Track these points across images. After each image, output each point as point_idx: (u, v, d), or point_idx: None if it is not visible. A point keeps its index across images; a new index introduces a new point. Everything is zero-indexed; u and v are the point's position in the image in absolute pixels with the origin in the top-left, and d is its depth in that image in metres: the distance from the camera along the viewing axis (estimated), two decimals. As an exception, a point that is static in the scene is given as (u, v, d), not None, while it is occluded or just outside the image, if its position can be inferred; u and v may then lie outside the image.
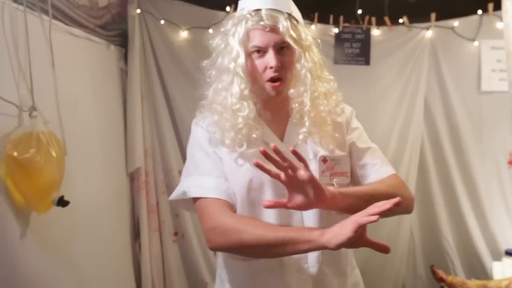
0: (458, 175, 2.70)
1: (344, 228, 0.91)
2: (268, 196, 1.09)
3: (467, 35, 2.62)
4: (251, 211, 1.10)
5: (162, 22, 2.55)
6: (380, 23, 2.68)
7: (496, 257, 2.63)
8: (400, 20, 2.66)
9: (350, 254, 1.24)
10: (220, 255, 1.24)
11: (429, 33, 2.65)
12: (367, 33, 2.68)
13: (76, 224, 1.85)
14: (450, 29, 2.64)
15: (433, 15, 2.63)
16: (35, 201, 1.49)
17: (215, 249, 1.11)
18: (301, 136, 1.13)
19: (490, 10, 2.54)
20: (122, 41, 2.49)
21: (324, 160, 1.13)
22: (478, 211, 2.68)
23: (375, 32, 2.69)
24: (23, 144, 1.41)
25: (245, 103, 1.10)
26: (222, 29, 1.15)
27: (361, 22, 2.67)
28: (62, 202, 1.57)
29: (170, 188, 2.63)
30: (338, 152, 1.16)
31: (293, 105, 1.15)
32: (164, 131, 2.60)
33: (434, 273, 2.46)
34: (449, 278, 2.41)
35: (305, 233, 0.96)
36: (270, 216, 1.10)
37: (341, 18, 2.66)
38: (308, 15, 2.62)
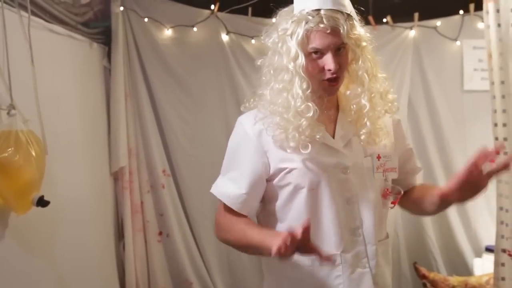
0: (441, 173, 2.74)
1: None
2: (326, 195, 1.14)
3: (449, 34, 2.66)
4: (312, 207, 1.15)
5: (146, 20, 2.52)
6: (364, 22, 2.69)
7: (478, 254, 2.68)
8: (384, 20, 2.68)
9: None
10: None
11: (412, 33, 2.68)
12: (352, 32, 2.69)
13: (57, 224, 1.81)
14: (433, 28, 2.67)
15: (416, 15, 2.66)
16: (14, 201, 1.45)
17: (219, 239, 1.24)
18: (363, 137, 1.16)
19: (472, 11, 2.58)
20: (105, 39, 2.45)
21: (378, 157, 1.18)
22: (461, 209, 2.72)
23: (360, 31, 2.70)
24: (1, 143, 1.37)
25: (310, 104, 1.11)
26: (280, 28, 1.14)
27: (345, 21, 2.68)
28: (42, 202, 1.53)
29: (154, 188, 2.60)
30: (389, 149, 1.22)
31: (351, 106, 1.17)
32: (148, 130, 2.58)
33: (416, 270, 2.49)
34: (431, 275, 2.44)
35: (266, 240, 1.04)
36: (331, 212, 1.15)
37: (326, 17, 2.67)
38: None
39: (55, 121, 1.82)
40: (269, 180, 1.19)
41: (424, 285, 2.45)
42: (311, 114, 1.10)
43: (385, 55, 2.66)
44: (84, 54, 2.27)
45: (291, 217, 1.18)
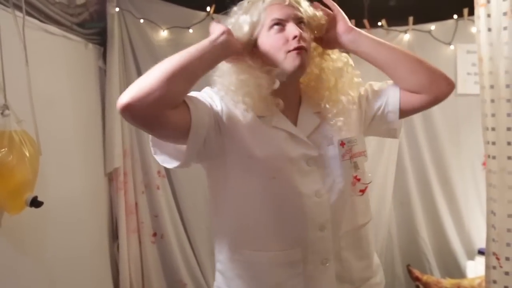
0: (435, 176, 2.76)
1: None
2: (290, 187, 1.07)
3: (443, 38, 2.68)
4: (273, 198, 1.07)
5: (142, 21, 2.53)
6: (359, 25, 2.70)
7: (471, 256, 2.69)
8: (379, 23, 2.70)
9: (371, 235, 1.22)
10: (224, 250, 1.15)
11: (407, 36, 2.70)
12: (347, 35, 2.71)
13: (50, 225, 1.81)
14: (427, 32, 2.69)
15: (410, 19, 2.68)
16: (7, 201, 1.45)
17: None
18: (327, 125, 1.12)
19: (465, 15, 2.60)
20: (100, 39, 2.45)
21: (342, 143, 1.10)
22: (454, 211, 2.74)
23: (355, 34, 2.72)
24: (-6, 144, 1.38)
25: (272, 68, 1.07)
26: (235, 8, 1.13)
27: (340, 25, 2.70)
28: (35, 203, 1.53)
29: (149, 189, 2.60)
30: (353, 133, 1.14)
31: (307, 92, 1.15)
32: (143, 131, 2.57)
33: (410, 272, 2.50)
34: (425, 277, 2.46)
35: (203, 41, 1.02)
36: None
37: (321, 20, 2.68)
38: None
39: (49, 121, 1.82)
40: (223, 159, 1.08)
41: (417, 287, 2.47)
42: (277, 85, 1.05)
43: (379, 59, 2.72)
44: (79, 55, 2.27)
45: (253, 211, 1.08)
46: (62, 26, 2.04)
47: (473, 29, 2.59)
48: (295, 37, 1.04)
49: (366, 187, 1.13)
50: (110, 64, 2.44)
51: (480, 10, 1.59)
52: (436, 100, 1.16)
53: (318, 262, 1.09)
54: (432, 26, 2.69)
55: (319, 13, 1.15)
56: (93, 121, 2.38)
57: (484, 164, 2.68)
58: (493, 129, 1.57)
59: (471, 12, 2.51)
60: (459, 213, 2.74)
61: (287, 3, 1.07)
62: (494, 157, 1.58)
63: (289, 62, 1.06)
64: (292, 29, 1.05)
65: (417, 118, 2.76)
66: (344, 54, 1.20)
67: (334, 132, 1.12)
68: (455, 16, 2.65)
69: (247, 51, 1.09)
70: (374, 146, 2.76)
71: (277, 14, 1.06)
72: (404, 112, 1.18)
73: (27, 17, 1.66)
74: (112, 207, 2.52)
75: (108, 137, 2.44)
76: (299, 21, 1.08)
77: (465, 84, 2.69)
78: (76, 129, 2.16)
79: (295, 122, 1.12)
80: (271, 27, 1.07)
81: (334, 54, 1.19)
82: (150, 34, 2.55)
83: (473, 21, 2.52)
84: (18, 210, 1.49)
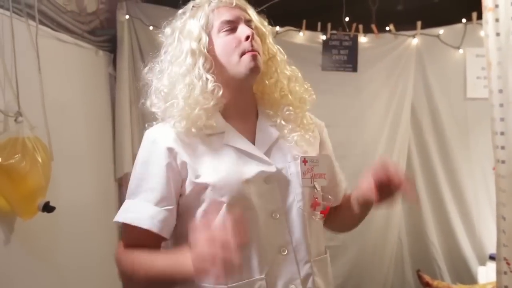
0: (445, 180, 2.74)
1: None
2: (247, 209, 0.98)
3: (452, 43, 2.67)
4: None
5: (151, 28, 2.56)
6: (367, 30, 2.72)
7: (482, 261, 2.66)
8: (387, 28, 2.70)
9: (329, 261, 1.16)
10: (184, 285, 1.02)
11: (415, 41, 2.70)
12: (355, 40, 2.72)
13: (62, 230, 1.84)
14: (435, 37, 2.68)
15: (419, 23, 2.67)
16: (20, 207, 1.48)
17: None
18: (287, 138, 1.06)
19: (474, 19, 2.59)
20: (110, 46, 2.49)
21: (304, 161, 1.04)
22: (465, 216, 2.72)
23: (362, 39, 2.72)
24: (8, 150, 1.41)
25: (220, 85, 1.00)
26: (180, 12, 1.08)
27: (348, 30, 2.71)
28: (47, 208, 1.56)
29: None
30: (313, 152, 1.09)
31: (262, 104, 1.10)
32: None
33: (420, 277, 2.48)
34: (435, 283, 2.43)
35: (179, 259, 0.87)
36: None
37: (329, 25, 2.70)
38: (296, 22, 2.67)
39: (61, 127, 1.85)
40: (181, 194, 1.00)
41: (427, 292, 2.45)
42: (220, 94, 0.99)
43: (388, 63, 2.73)
44: (90, 62, 2.30)
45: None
46: (74, 34, 2.08)
47: (482, 33, 2.58)
48: (247, 37, 1.00)
49: (327, 209, 1.08)
50: (120, 70, 2.47)
51: (488, 14, 1.59)
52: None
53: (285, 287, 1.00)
54: (441, 30, 2.68)
55: (265, 21, 1.11)
56: (103, 127, 2.41)
57: (494, 168, 2.67)
58: (502, 133, 1.56)
59: (480, 16, 2.51)
60: (470, 217, 2.71)
61: (234, 4, 1.04)
62: (503, 162, 1.57)
63: (243, 65, 1.00)
64: (244, 29, 1.01)
65: (426, 122, 2.75)
66: (293, 67, 1.14)
67: (293, 147, 1.06)
68: (464, 20, 2.63)
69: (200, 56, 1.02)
70: (383, 151, 2.75)
71: (226, 15, 1.02)
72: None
73: (40, 26, 1.70)
74: (122, 212, 2.54)
75: (118, 142, 2.47)
76: (248, 23, 1.04)
77: (475, 88, 2.67)
78: (86, 135, 2.19)
79: (252, 137, 1.05)
80: (220, 29, 1.02)
81: (282, 63, 1.12)
82: (159, 41, 2.58)
83: (482, 25, 2.52)
84: (30, 215, 1.52)
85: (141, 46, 2.56)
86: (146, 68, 1.09)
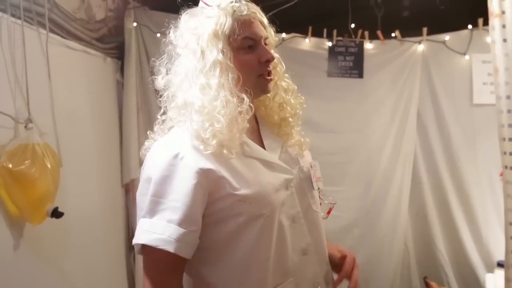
0: (451, 187, 2.72)
1: None
2: (275, 218, 0.98)
3: (458, 49, 2.67)
4: (266, 237, 0.97)
5: (159, 35, 2.58)
6: (373, 37, 2.73)
7: (490, 269, 2.64)
8: (393, 34, 2.71)
9: None
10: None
11: (421, 47, 2.70)
12: (360, 46, 2.73)
13: (70, 235, 1.85)
14: (441, 43, 2.69)
15: (424, 29, 2.68)
16: (29, 212, 1.49)
17: None
18: (291, 146, 1.08)
19: (480, 25, 2.59)
20: (118, 53, 2.52)
21: (311, 165, 1.10)
22: (472, 223, 2.70)
23: (368, 45, 2.73)
24: (18, 156, 1.42)
25: (251, 105, 0.97)
26: (193, 26, 0.98)
27: (354, 36, 2.72)
28: (56, 214, 1.57)
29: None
30: (310, 158, 1.14)
31: (270, 111, 1.09)
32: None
33: (427, 285, 2.47)
34: (442, 290, 2.42)
35: None
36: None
37: (335, 31, 2.71)
38: (302, 29, 2.68)
39: (69, 133, 1.87)
40: (206, 211, 0.95)
41: (435, 300, 2.43)
42: (251, 113, 0.97)
43: (394, 69, 2.74)
44: (98, 69, 2.33)
45: (238, 253, 0.96)
46: (82, 41, 2.10)
47: (488, 39, 2.58)
48: (267, 61, 0.99)
49: (331, 208, 1.12)
50: (128, 77, 2.50)
51: (494, 20, 1.60)
52: None
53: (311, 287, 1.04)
54: (447, 37, 2.68)
55: (273, 30, 1.07)
56: (110, 133, 2.43)
57: (501, 174, 2.66)
58: (510, 139, 1.56)
59: (486, 22, 2.51)
60: (477, 224, 2.69)
61: (254, 20, 0.99)
62: (511, 168, 1.57)
63: (258, 87, 1.00)
64: (264, 52, 0.98)
65: (432, 128, 2.74)
66: (289, 81, 1.12)
67: (296, 153, 1.09)
68: (470, 26, 2.64)
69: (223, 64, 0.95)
70: (389, 157, 2.75)
71: (250, 32, 0.97)
72: None
73: (50, 34, 1.72)
74: (128, 218, 2.55)
75: (125, 148, 2.49)
76: (266, 41, 1.02)
77: (481, 94, 2.67)
78: (94, 141, 2.21)
79: (261, 145, 1.05)
80: (242, 45, 0.98)
81: (281, 73, 1.11)
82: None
83: (488, 31, 2.52)
84: (40, 220, 1.53)
85: (148, 53, 2.59)
86: (160, 77, 1.02)
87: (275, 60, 1.05)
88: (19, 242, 1.51)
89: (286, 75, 1.12)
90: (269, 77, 1.00)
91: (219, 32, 0.95)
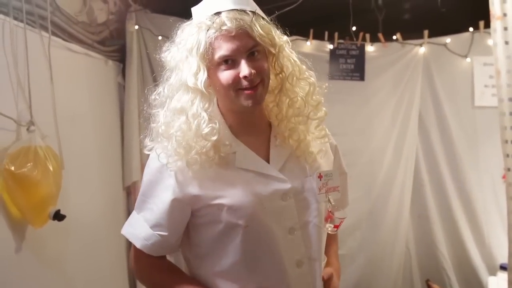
0: (453, 189, 2.72)
1: None
2: (264, 228, 1.00)
3: (459, 51, 2.67)
4: (249, 245, 1.00)
5: (160, 38, 2.59)
6: (374, 39, 2.73)
7: (492, 271, 2.63)
8: (394, 37, 2.71)
9: None
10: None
11: (422, 50, 2.70)
12: (362, 49, 2.73)
13: (72, 238, 1.85)
14: (442, 45, 2.69)
15: (426, 32, 2.68)
16: (32, 215, 1.49)
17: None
18: (300, 154, 1.05)
19: (481, 28, 2.59)
20: (120, 56, 2.52)
21: (319, 176, 1.05)
22: (474, 225, 2.69)
23: (370, 48, 2.74)
24: (20, 159, 1.42)
25: (215, 126, 0.97)
26: (179, 42, 1.00)
27: (355, 39, 2.72)
28: (58, 216, 1.57)
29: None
30: (327, 166, 1.10)
31: (277, 117, 1.06)
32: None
33: (429, 287, 2.46)
34: (445, 293, 2.41)
35: None
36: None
37: (336, 34, 2.71)
38: (303, 31, 2.68)
39: (71, 136, 1.87)
40: (194, 215, 1.03)
41: (437, 303, 2.42)
42: (216, 137, 0.97)
43: (395, 72, 2.74)
44: (100, 71, 2.33)
45: (226, 258, 1.01)
46: (84, 44, 2.11)
47: (490, 42, 2.58)
48: (245, 77, 0.94)
49: (341, 222, 1.09)
50: (129, 80, 2.50)
51: (496, 23, 1.60)
52: None
53: None
54: (448, 39, 2.68)
55: (273, 31, 1.01)
56: (112, 136, 2.44)
57: (504, 177, 2.65)
58: (512, 142, 1.56)
59: (487, 25, 2.51)
60: (479, 227, 2.68)
61: (233, 34, 0.94)
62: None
63: (240, 101, 0.97)
64: (243, 68, 0.94)
65: (433, 131, 2.74)
66: (311, 73, 1.08)
67: (307, 161, 1.06)
68: (471, 29, 2.64)
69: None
70: (391, 159, 2.74)
71: (225, 49, 0.94)
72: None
73: (52, 37, 1.73)
74: (130, 220, 2.55)
75: (127, 151, 2.49)
76: (251, 50, 0.96)
77: (483, 97, 2.67)
78: (96, 144, 2.21)
79: (266, 152, 1.04)
80: (219, 64, 0.96)
81: (302, 74, 1.06)
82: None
83: (489, 33, 2.52)
84: (42, 223, 1.53)
85: (150, 56, 2.59)
86: (152, 97, 1.06)
87: (285, 64, 1.02)
88: (21, 245, 1.51)
89: (306, 75, 1.06)
90: (248, 91, 0.96)
91: (193, 51, 0.96)
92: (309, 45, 2.71)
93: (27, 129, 1.52)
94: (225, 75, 0.96)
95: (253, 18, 0.96)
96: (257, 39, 0.95)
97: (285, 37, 1.05)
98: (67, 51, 1.94)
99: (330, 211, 1.06)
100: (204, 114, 0.97)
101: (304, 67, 1.06)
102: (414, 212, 2.79)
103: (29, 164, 1.43)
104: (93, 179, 2.14)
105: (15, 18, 1.51)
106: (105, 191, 2.28)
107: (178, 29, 1.02)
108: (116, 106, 2.50)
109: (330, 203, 1.05)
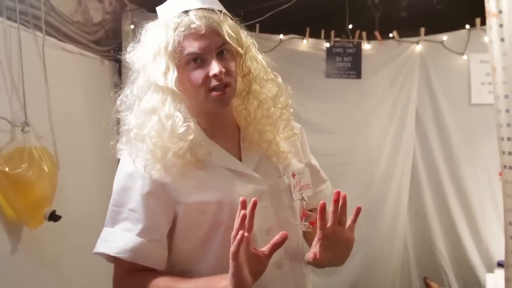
0: (451, 187, 2.73)
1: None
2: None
3: (456, 49, 2.67)
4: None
5: (156, 37, 2.58)
6: (370, 37, 2.73)
7: (490, 269, 2.64)
8: (390, 35, 2.71)
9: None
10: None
11: (419, 47, 2.70)
12: (358, 47, 2.73)
13: (68, 239, 1.84)
14: (439, 43, 2.69)
15: (422, 30, 2.68)
16: (27, 216, 1.49)
17: None
18: (271, 154, 1.03)
19: (478, 25, 2.59)
20: (116, 56, 2.51)
21: (293, 175, 1.04)
22: (471, 222, 2.70)
23: (366, 46, 2.73)
24: (15, 159, 1.42)
25: (191, 124, 0.94)
26: (143, 39, 0.99)
27: (351, 37, 2.72)
28: (54, 217, 1.56)
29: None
30: (299, 164, 1.09)
31: (242, 119, 1.04)
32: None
33: (427, 285, 2.47)
34: (443, 290, 2.42)
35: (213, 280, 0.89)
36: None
37: (333, 32, 2.71)
38: (299, 30, 2.68)
39: (67, 137, 1.86)
40: (176, 218, 0.99)
41: (435, 300, 2.43)
42: (192, 136, 0.94)
43: (392, 70, 2.74)
44: (96, 71, 2.32)
45: (205, 261, 0.99)
46: (79, 44, 2.10)
47: (486, 39, 2.58)
48: (215, 75, 0.93)
49: (315, 220, 1.03)
50: (125, 80, 2.49)
51: (492, 20, 1.60)
52: None
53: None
54: (444, 37, 2.68)
55: (241, 32, 1.00)
56: (108, 136, 2.42)
57: (500, 174, 2.65)
58: (508, 139, 1.56)
59: (484, 22, 2.51)
60: (476, 224, 2.69)
61: (203, 32, 0.92)
62: (510, 167, 1.57)
63: (210, 102, 0.96)
64: (213, 66, 0.92)
65: (430, 129, 2.75)
66: (277, 74, 1.07)
67: (278, 161, 1.04)
68: (467, 26, 2.64)
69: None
70: (388, 157, 2.74)
71: (194, 47, 0.92)
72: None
73: (47, 37, 1.72)
74: (127, 220, 2.54)
75: (123, 151, 2.48)
76: (220, 49, 0.95)
77: (479, 94, 2.67)
78: (92, 144, 2.20)
79: (238, 154, 1.02)
80: (188, 62, 0.94)
81: (268, 75, 1.05)
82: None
83: (485, 30, 2.52)
84: (37, 224, 1.52)
85: (146, 55, 2.58)
86: (118, 101, 1.03)
87: (250, 65, 1.01)
88: (17, 246, 1.50)
89: (272, 76, 1.05)
90: (218, 93, 0.94)
91: (161, 51, 0.93)
92: (305, 43, 2.71)
93: (22, 130, 1.51)
94: (195, 75, 0.94)
95: (222, 17, 0.95)
96: (226, 37, 0.94)
97: (251, 39, 1.04)
98: (62, 51, 1.93)
99: (304, 209, 1.05)
100: (177, 114, 0.94)
101: (269, 69, 1.05)
102: (411, 210, 2.79)
103: (23, 165, 1.42)
104: (88, 180, 2.13)
105: (9, 18, 1.50)
106: (101, 192, 2.27)
107: (142, 29, 1.00)
108: (112, 106, 2.49)
109: (304, 200, 1.04)
